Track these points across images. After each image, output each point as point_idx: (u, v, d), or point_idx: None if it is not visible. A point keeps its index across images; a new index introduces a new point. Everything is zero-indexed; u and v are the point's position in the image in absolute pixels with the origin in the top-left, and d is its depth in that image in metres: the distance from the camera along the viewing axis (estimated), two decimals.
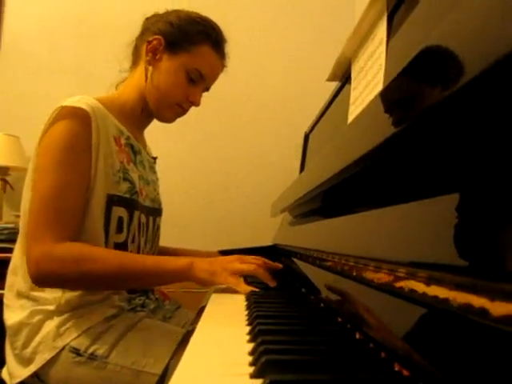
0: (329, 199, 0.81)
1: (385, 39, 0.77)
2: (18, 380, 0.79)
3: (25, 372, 0.79)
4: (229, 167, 1.91)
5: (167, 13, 1.01)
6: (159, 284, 0.98)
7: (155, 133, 1.16)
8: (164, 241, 1.16)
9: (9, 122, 1.87)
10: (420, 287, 0.31)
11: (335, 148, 0.65)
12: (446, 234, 0.29)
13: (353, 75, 0.97)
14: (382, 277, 0.40)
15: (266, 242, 1.61)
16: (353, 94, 0.95)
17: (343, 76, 1.10)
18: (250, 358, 0.37)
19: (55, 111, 0.85)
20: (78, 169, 0.82)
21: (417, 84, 0.35)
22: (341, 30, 1.89)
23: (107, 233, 0.86)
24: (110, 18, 1.98)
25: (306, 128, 1.65)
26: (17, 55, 1.97)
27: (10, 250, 1.25)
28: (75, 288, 0.83)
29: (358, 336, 0.44)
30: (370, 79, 0.83)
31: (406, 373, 0.32)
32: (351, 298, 0.52)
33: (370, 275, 0.44)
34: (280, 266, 0.90)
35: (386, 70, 0.74)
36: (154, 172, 1.13)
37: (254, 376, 0.32)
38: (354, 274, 0.50)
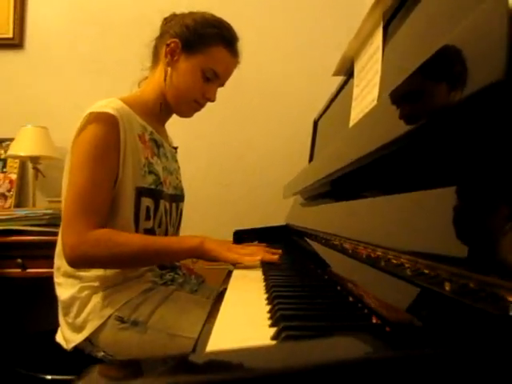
0: (337, 185, 0.92)
1: (381, 47, 0.87)
2: (74, 344, 0.95)
3: (78, 337, 0.94)
4: (242, 152, 2.03)
5: (183, 15, 1.10)
6: (176, 260, 1.11)
7: (173, 125, 1.27)
8: (185, 223, 1.29)
9: (37, 114, 2.00)
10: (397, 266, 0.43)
11: (340, 146, 0.77)
12: (443, 224, 0.35)
13: (355, 72, 1.07)
14: (370, 254, 0.53)
15: (280, 221, 1.74)
16: (355, 90, 1.05)
17: (347, 72, 1.20)
18: (268, 315, 0.50)
19: (85, 117, 0.95)
20: (107, 166, 0.94)
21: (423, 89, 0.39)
22: (351, 24, 1.97)
23: (137, 220, 1.00)
24: (127, 12, 2.07)
25: (315, 115, 1.75)
26: (40, 52, 2.08)
27: (51, 233, 1.40)
28: (105, 267, 0.96)
29: (351, 299, 0.57)
30: (369, 80, 0.93)
31: (377, 321, 0.44)
32: (347, 272, 0.65)
33: (361, 253, 0.56)
34: (280, 251, 1.01)
35: (381, 74, 0.85)
36: (176, 161, 1.26)
37: (271, 325, 0.45)
38: (350, 252, 0.63)
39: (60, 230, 1.00)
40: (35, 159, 1.91)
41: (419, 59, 0.40)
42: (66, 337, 0.97)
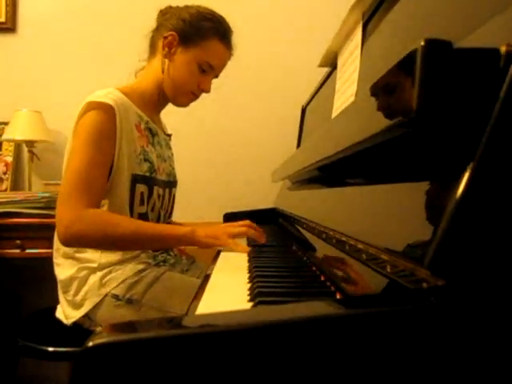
0: (323, 172, 0.99)
1: (360, 45, 0.93)
2: (73, 320, 1.02)
3: (77, 314, 1.02)
4: (233, 137, 2.08)
5: (179, 9, 1.14)
6: (167, 247, 1.15)
7: (166, 110, 1.32)
8: (178, 206, 1.35)
9: (32, 98, 2.03)
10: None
11: (320, 138, 0.83)
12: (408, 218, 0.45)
13: (338, 66, 1.13)
14: (338, 238, 0.60)
15: (269, 204, 1.82)
16: (337, 83, 1.11)
17: (332, 63, 1.25)
18: (248, 292, 0.57)
19: (84, 105, 1.01)
20: (103, 152, 0.99)
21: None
22: (340, 13, 2.01)
23: (132, 205, 1.06)
24: None
25: (303, 101, 1.81)
26: (33, 36, 2.09)
27: (49, 216, 1.47)
28: (97, 247, 1.01)
29: (322, 278, 0.64)
30: (349, 75, 0.99)
31: (340, 296, 0.52)
32: (321, 253, 0.72)
33: (331, 237, 0.64)
34: (261, 230, 1.05)
35: (359, 71, 0.91)
36: (170, 148, 1.32)
37: (249, 300, 0.53)
38: (324, 236, 0.70)
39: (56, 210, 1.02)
40: (30, 143, 1.95)
41: (391, 59, 0.46)
42: (66, 313, 1.05)
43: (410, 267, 0.34)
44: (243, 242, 1.06)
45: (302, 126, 1.86)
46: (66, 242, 0.97)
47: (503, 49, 0.28)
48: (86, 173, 0.96)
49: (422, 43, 0.27)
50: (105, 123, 0.99)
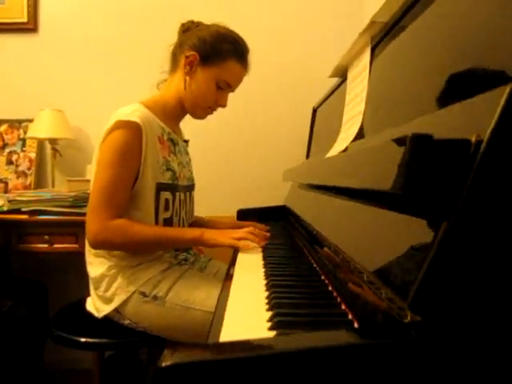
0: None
1: (368, 66, 1.00)
2: (104, 313, 1.13)
3: (108, 308, 1.13)
4: (247, 135, 2.17)
5: (200, 28, 1.22)
6: (180, 248, 1.27)
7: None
8: (195, 203, 1.44)
9: (53, 98, 2.12)
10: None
11: (325, 167, 0.93)
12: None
13: (348, 80, 1.20)
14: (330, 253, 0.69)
15: (280, 201, 1.91)
16: (347, 97, 1.19)
17: (343, 75, 1.32)
18: (266, 301, 0.67)
19: (113, 124, 1.08)
20: (129, 167, 1.10)
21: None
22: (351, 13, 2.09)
23: (157, 211, 1.16)
24: None
25: (314, 102, 1.88)
26: (54, 36, 2.17)
27: (74, 214, 1.57)
28: (120, 251, 1.14)
29: (330, 288, 0.74)
30: (358, 93, 1.07)
31: (340, 301, 0.61)
32: (326, 259, 0.82)
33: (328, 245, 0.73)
34: (267, 234, 1.21)
35: (367, 92, 0.98)
36: (187, 153, 1.41)
37: (268, 310, 0.62)
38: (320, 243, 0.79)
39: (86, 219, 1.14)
40: (53, 141, 2.05)
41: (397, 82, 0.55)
42: (97, 306, 1.16)
43: (394, 300, 0.43)
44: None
45: (313, 126, 1.94)
46: (95, 247, 1.12)
47: (473, 138, 0.37)
48: (113, 187, 1.08)
49: (410, 136, 0.36)
50: (132, 141, 1.08)
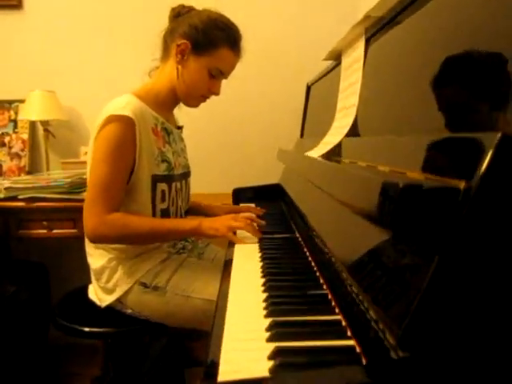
0: None
1: (362, 58, 0.99)
2: (106, 303, 1.17)
3: (110, 298, 1.16)
4: (241, 112, 2.15)
5: (190, 14, 1.19)
6: (178, 239, 1.29)
7: None
8: (192, 181, 1.44)
9: (45, 78, 2.08)
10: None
11: (318, 172, 0.94)
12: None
13: (342, 67, 1.18)
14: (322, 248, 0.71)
15: (275, 179, 1.92)
16: (341, 84, 1.18)
17: (337, 58, 1.31)
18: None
19: (106, 118, 1.07)
20: (123, 161, 1.09)
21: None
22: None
23: (154, 203, 1.16)
24: None
25: (308, 78, 1.86)
26: (40, 12, 2.09)
27: (71, 200, 1.59)
28: (119, 244, 1.15)
29: (324, 287, 0.76)
30: (352, 82, 1.06)
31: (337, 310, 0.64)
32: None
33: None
34: (264, 222, 1.21)
35: (361, 83, 0.98)
36: (182, 140, 1.40)
37: (266, 316, 0.65)
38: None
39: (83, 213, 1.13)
40: (45, 122, 2.03)
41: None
42: (99, 297, 1.19)
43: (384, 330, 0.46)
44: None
45: (307, 102, 1.92)
46: (93, 241, 1.13)
47: (462, 185, 0.38)
48: (108, 182, 1.08)
49: (401, 185, 0.37)
50: (125, 135, 1.08)
